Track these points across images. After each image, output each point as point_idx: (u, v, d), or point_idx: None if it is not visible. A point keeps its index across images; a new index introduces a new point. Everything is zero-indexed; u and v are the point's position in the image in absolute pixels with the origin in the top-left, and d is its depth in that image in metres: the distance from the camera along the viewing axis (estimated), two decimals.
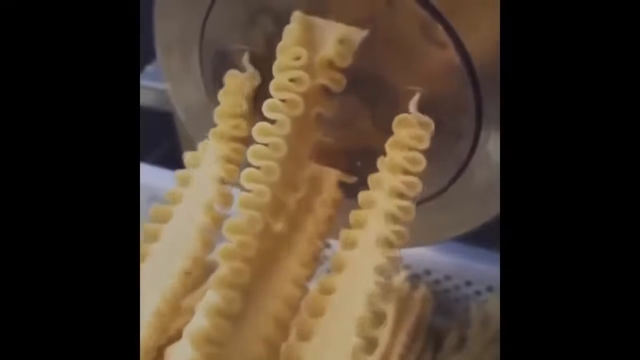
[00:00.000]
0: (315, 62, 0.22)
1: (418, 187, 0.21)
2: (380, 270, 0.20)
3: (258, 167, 0.21)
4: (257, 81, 0.24)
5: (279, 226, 0.23)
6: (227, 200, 0.24)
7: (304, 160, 0.24)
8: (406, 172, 0.22)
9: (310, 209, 0.24)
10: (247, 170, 0.21)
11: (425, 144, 0.22)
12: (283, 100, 0.21)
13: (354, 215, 0.22)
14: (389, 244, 0.21)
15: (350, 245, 0.22)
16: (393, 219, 0.21)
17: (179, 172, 0.24)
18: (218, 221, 0.23)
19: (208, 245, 0.23)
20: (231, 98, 0.24)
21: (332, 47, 0.22)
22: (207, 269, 0.23)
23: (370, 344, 0.20)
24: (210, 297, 0.20)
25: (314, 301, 0.21)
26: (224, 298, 0.20)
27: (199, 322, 0.20)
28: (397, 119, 0.22)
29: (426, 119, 0.22)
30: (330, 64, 0.22)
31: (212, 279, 0.20)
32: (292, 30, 0.22)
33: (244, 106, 0.24)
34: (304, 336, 0.21)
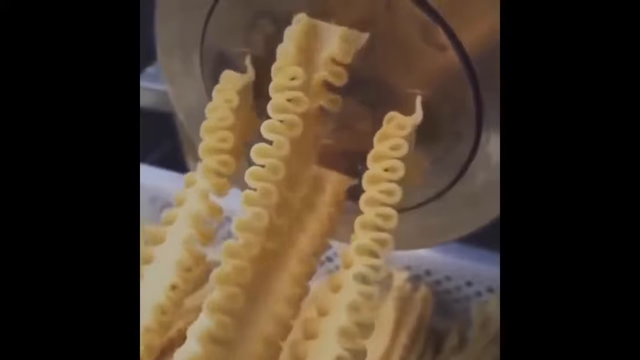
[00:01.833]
0: (312, 82, 0.22)
1: (397, 194, 0.21)
2: (360, 278, 0.20)
3: (255, 189, 0.21)
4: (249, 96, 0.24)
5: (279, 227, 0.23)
6: (215, 212, 0.24)
7: (303, 180, 0.24)
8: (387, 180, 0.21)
9: (312, 208, 0.24)
10: (245, 192, 0.21)
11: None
12: (281, 121, 0.21)
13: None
14: (368, 252, 0.20)
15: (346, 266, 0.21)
16: (373, 227, 0.21)
17: (177, 193, 0.24)
18: (206, 234, 0.23)
19: (196, 257, 0.23)
20: (218, 111, 0.24)
21: (328, 64, 0.22)
22: (207, 270, 0.23)
23: (355, 356, 0.19)
24: (203, 321, 0.20)
25: (308, 322, 0.21)
26: (217, 324, 0.20)
27: (191, 347, 0.20)
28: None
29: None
30: (328, 84, 0.22)
31: (205, 302, 0.20)
32: (286, 51, 0.22)
33: (231, 119, 0.23)
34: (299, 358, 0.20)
